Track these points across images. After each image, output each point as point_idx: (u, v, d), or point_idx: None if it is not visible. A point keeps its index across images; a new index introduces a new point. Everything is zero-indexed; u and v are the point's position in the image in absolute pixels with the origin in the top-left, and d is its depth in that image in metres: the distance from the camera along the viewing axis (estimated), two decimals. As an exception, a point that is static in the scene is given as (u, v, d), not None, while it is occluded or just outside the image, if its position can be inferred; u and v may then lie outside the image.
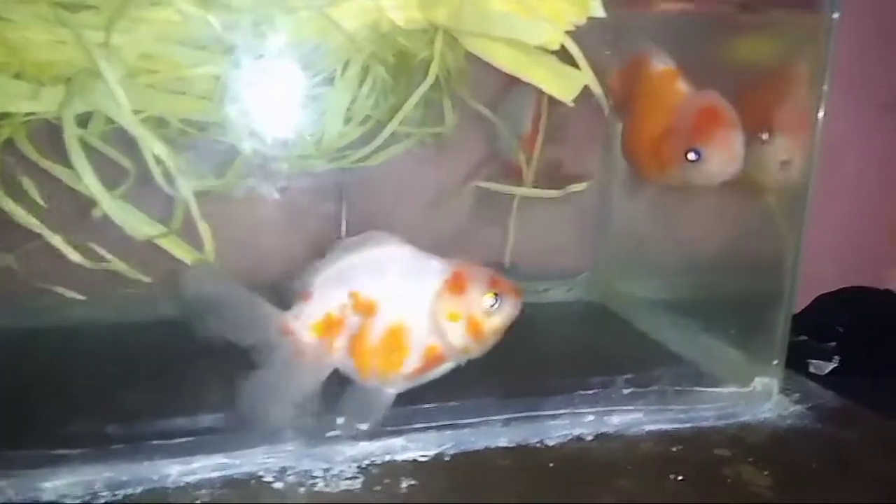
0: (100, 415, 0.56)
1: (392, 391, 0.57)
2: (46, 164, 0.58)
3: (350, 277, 0.55)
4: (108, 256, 0.60)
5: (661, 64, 0.70)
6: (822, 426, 0.67)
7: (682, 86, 0.69)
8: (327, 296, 0.55)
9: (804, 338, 1.10)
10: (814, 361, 1.03)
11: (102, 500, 0.51)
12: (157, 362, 0.65)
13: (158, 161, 0.55)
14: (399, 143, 0.74)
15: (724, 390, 0.69)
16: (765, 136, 0.68)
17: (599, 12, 0.57)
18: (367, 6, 0.61)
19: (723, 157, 0.66)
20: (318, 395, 0.55)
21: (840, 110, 1.10)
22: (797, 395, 0.73)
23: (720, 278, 0.78)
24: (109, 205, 0.56)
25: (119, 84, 0.61)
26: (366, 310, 0.55)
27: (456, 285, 0.55)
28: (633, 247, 0.92)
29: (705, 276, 0.81)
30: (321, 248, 0.77)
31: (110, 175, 0.60)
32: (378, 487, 0.54)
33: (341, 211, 0.80)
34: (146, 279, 0.60)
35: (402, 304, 0.55)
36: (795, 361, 1.00)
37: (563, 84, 0.58)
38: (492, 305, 0.55)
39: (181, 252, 0.59)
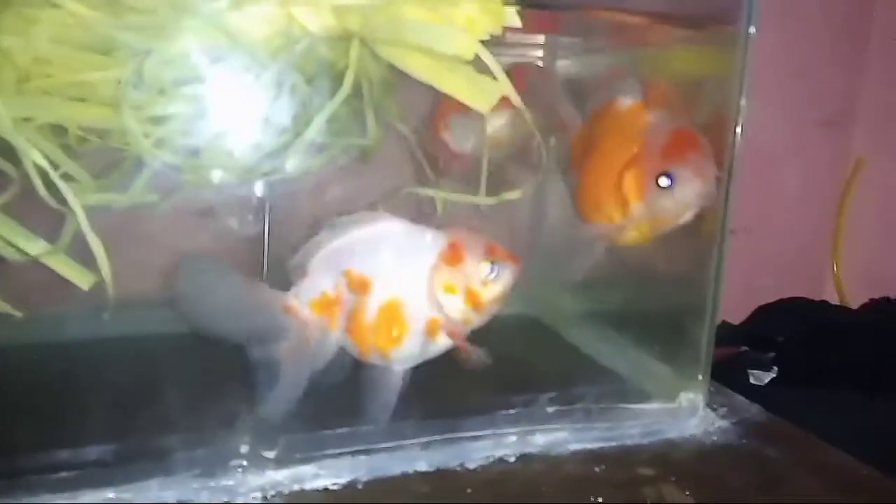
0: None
1: (398, 369, 0.57)
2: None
3: (344, 255, 0.55)
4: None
5: (629, 100, 0.68)
6: (747, 442, 0.67)
7: (650, 117, 0.66)
8: (322, 274, 0.55)
9: (744, 348, 1.11)
10: (754, 372, 1.04)
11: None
12: (40, 389, 0.61)
13: (41, 172, 0.51)
14: (319, 155, 0.72)
15: (650, 406, 0.68)
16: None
17: (515, 22, 0.55)
18: (278, 12, 0.58)
19: (696, 182, 0.62)
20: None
21: (782, 125, 1.14)
22: (724, 409, 0.72)
23: (650, 291, 0.78)
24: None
25: (8, 90, 0.58)
26: (360, 287, 0.55)
27: (451, 257, 0.55)
28: (566, 258, 0.91)
29: (636, 289, 0.80)
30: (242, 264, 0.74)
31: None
32: (283, 519, 0.51)
33: (263, 226, 0.76)
34: (17, 314, 0.55)
35: (396, 280, 0.55)
36: (736, 372, 1.02)
37: (479, 94, 0.56)
38: (489, 274, 0.53)
39: (71, 272, 0.54)
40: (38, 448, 0.52)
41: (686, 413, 0.69)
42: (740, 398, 0.75)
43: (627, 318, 0.80)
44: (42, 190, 0.52)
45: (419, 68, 0.56)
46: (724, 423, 0.69)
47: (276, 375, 0.54)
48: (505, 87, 0.55)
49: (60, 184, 0.52)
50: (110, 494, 0.51)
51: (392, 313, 0.55)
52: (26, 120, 0.59)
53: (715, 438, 0.67)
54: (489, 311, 0.57)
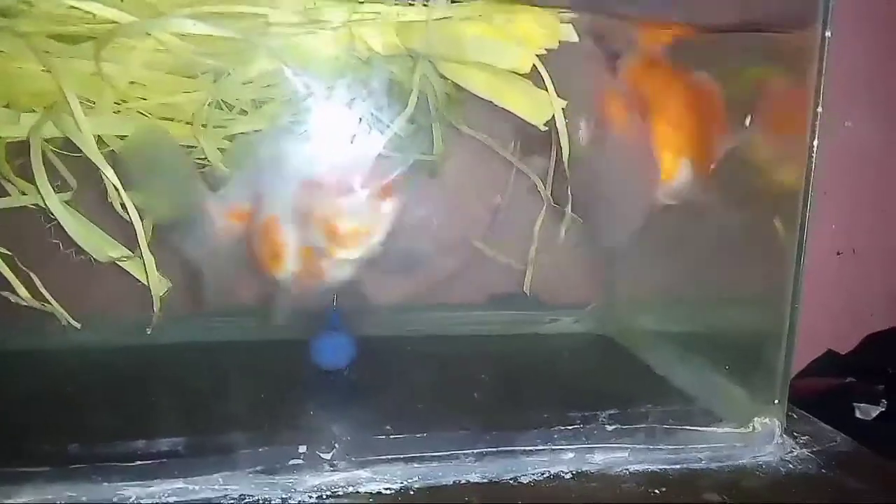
0: (64, 435, 0.56)
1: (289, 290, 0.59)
2: (18, 182, 0.60)
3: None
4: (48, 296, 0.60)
5: None
6: (827, 472, 0.62)
7: None
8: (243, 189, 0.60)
9: (851, 379, 1.04)
10: (860, 405, 0.97)
11: (59, 520, 0.51)
12: (122, 386, 0.66)
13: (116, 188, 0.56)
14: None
15: (721, 430, 0.65)
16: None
17: (573, 37, 0.55)
18: (344, 33, 0.61)
19: None
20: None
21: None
22: (805, 437, 0.68)
23: (728, 312, 0.74)
24: (72, 224, 0.57)
25: (108, 111, 0.64)
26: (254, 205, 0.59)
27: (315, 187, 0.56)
28: (642, 278, 0.89)
29: (713, 309, 0.77)
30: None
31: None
32: (334, 519, 0.53)
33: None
34: (76, 324, 0.60)
35: (279, 203, 0.58)
36: (840, 405, 0.96)
37: (536, 109, 0.56)
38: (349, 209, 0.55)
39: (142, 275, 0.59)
40: (117, 438, 0.57)
41: (760, 439, 0.65)
42: (825, 427, 0.71)
43: (704, 339, 0.77)
44: (117, 206, 0.57)
45: (477, 83, 0.57)
46: (803, 452, 0.65)
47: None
48: (560, 101, 0.55)
49: (128, 203, 0.57)
50: (179, 484, 0.55)
51: (270, 232, 0.57)
52: (122, 138, 0.66)
53: (791, 467, 0.63)
54: (353, 245, 0.57)
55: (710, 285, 0.76)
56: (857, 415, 0.96)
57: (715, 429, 0.65)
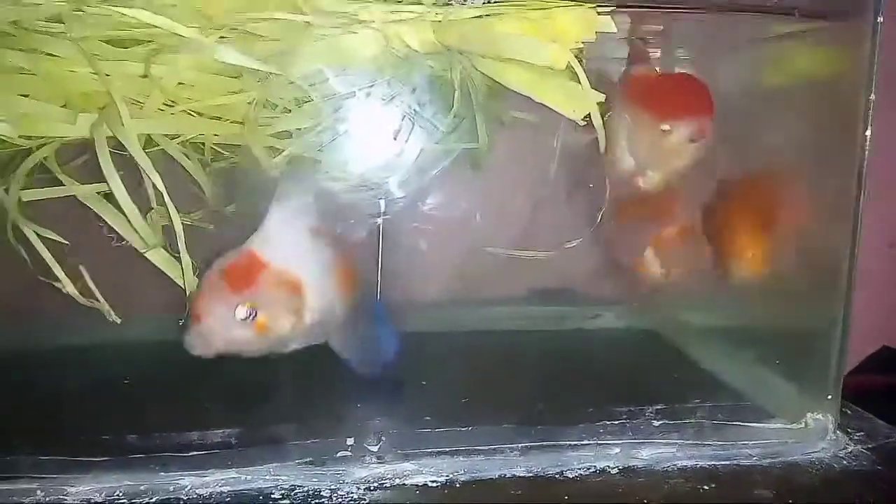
0: (123, 427, 0.58)
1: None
2: (69, 182, 0.62)
3: None
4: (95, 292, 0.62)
5: None
6: (883, 469, 0.61)
7: None
8: None
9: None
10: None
11: (119, 508, 0.53)
12: (176, 380, 0.68)
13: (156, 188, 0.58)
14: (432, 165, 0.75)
15: (772, 426, 0.64)
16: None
17: (610, 27, 0.55)
18: (385, 32, 0.61)
19: None
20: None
21: None
22: (860, 434, 0.66)
23: (778, 306, 0.73)
24: (139, 223, 0.58)
25: (157, 111, 0.66)
26: None
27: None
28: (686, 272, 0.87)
29: (763, 304, 0.75)
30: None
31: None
32: (381, 511, 0.54)
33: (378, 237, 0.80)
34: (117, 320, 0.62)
35: None
36: None
37: (573, 103, 0.56)
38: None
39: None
40: (173, 430, 0.58)
41: (813, 435, 0.64)
42: (881, 423, 0.69)
43: (753, 335, 0.75)
44: (156, 205, 0.59)
45: (514, 80, 0.57)
46: (857, 448, 0.64)
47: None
48: (598, 96, 0.55)
49: (169, 204, 0.58)
50: (232, 474, 0.56)
51: None
52: (173, 137, 0.67)
53: (845, 463, 0.61)
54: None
55: (760, 280, 0.74)
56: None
57: (766, 425, 0.64)
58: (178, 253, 0.60)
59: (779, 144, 0.71)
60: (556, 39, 0.54)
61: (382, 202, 0.76)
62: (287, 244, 0.56)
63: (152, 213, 0.62)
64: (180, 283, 0.60)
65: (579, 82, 0.56)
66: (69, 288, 0.59)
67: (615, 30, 0.55)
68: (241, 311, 0.52)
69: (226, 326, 0.52)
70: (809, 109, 0.63)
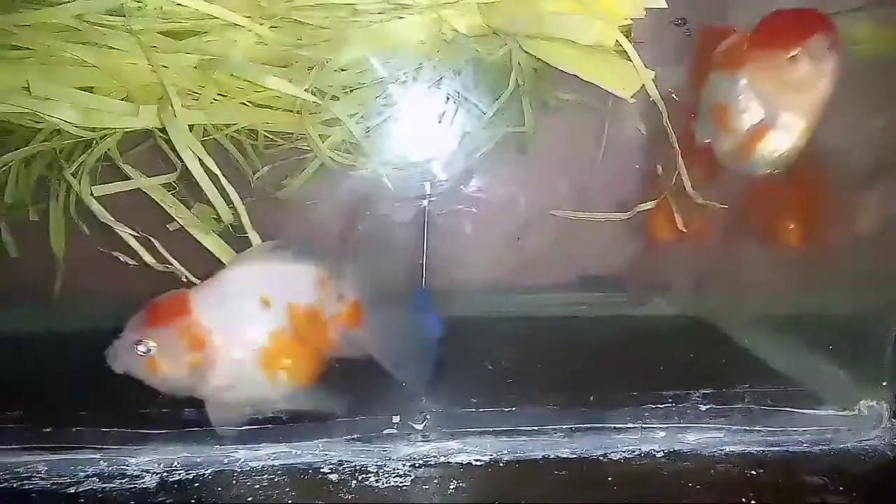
0: (180, 402, 0.61)
1: None
2: (129, 170, 0.65)
3: None
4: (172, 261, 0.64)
5: None
6: (941, 459, 0.59)
7: None
8: None
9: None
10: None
11: (177, 477, 0.56)
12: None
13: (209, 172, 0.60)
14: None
15: (823, 413, 0.63)
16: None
17: (658, 3, 0.54)
18: (430, 17, 0.62)
19: None
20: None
21: None
22: (918, 422, 0.64)
23: (831, 293, 0.71)
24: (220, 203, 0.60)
25: (212, 101, 0.68)
26: None
27: None
28: (738, 262, 0.85)
29: (816, 290, 0.73)
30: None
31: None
32: (426, 487, 0.55)
33: (424, 222, 0.80)
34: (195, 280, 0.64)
35: None
36: None
37: (622, 81, 0.56)
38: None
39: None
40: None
41: (866, 422, 0.62)
42: (941, 411, 0.66)
43: (806, 322, 0.74)
44: (207, 192, 0.60)
45: (561, 59, 0.57)
46: (914, 437, 0.62)
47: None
48: (647, 72, 0.54)
49: (228, 187, 0.60)
50: (283, 448, 0.58)
51: None
52: (228, 126, 0.70)
53: (901, 452, 0.60)
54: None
55: (813, 266, 0.72)
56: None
57: (817, 411, 0.63)
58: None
59: (842, 125, 0.68)
60: (603, 17, 0.54)
61: (428, 185, 0.77)
62: (220, 303, 0.55)
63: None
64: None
65: (629, 59, 0.56)
66: (147, 257, 0.62)
67: (665, 5, 0.54)
68: (141, 345, 0.53)
69: (127, 352, 0.53)
70: (874, 88, 0.61)
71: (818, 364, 0.68)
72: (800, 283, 0.74)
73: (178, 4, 0.61)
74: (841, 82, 0.60)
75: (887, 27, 0.61)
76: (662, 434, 0.61)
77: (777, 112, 0.64)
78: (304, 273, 0.56)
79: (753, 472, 0.57)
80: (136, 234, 0.62)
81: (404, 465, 0.57)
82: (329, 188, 0.73)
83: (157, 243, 0.61)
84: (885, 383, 0.62)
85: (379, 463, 0.57)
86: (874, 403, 0.62)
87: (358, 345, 0.57)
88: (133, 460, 0.57)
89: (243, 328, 0.55)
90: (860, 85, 0.64)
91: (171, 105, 0.61)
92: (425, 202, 0.78)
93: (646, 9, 0.55)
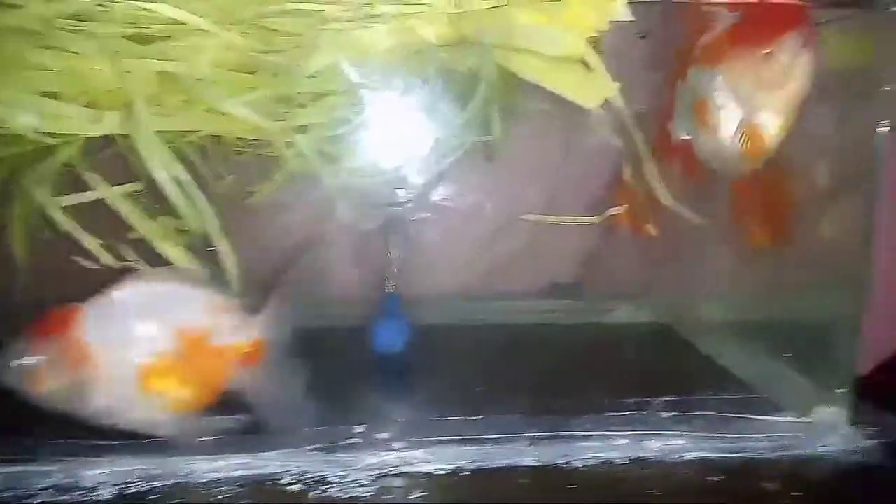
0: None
1: None
2: (94, 178, 0.64)
3: None
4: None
5: None
6: (893, 464, 0.60)
7: None
8: None
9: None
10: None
11: (134, 490, 0.55)
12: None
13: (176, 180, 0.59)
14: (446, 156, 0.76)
15: (782, 419, 0.64)
16: None
17: (624, 16, 0.55)
18: (399, 25, 0.62)
19: None
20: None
21: None
22: (873, 429, 0.65)
23: (792, 300, 0.72)
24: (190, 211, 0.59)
25: (176, 108, 0.67)
26: None
27: None
28: (700, 267, 0.87)
29: (777, 297, 0.75)
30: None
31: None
32: (388, 496, 0.55)
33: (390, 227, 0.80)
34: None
35: None
36: None
37: (588, 92, 0.56)
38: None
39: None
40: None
41: (824, 429, 0.64)
42: (896, 418, 0.68)
43: (767, 328, 0.75)
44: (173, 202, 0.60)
45: (529, 69, 0.58)
46: (870, 443, 0.63)
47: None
48: (612, 84, 0.55)
49: (198, 196, 0.60)
50: (245, 459, 0.58)
51: None
52: (193, 133, 0.69)
53: (857, 458, 0.61)
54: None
55: (773, 273, 0.74)
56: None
57: (776, 418, 0.64)
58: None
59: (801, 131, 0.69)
60: (570, 29, 0.55)
61: (397, 192, 0.77)
62: (106, 321, 0.53)
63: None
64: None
65: (595, 71, 0.57)
66: (105, 258, 0.61)
67: (631, 18, 0.55)
68: (30, 357, 0.52)
69: (8, 364, 0.52)
70: (832, 99, 0.62)
71: (778, 371, 0.69)
72: (762, 288, 0.76)
73: (143, 9, 0.61)
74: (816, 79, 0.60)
75: (853, 38, 0.62)
76: (625, 441, 0.62)
77: (754, 109, 0.63)
78: (200, 299, 0.55)
79: (714, 479, 0.58)
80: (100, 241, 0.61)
81: (367, 474, 0.57)
82: (297, 196, 0.72)
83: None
84: (841, 391, 0.64)
85: (341, 473, 0.57)
86: (831, 410, 0.64)
87: (245, 383, 0.56)
88: (89, 472, 0.56)
89: (126, 348, 0.53)
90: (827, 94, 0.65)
91: (137, 111, 0.61)
92: (394, 209, 0.78)
93: (611, 21, 0.55)
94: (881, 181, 0.62)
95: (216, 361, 0.55)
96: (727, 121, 0.64)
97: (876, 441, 0.64)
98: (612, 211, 0.76)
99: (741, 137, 0.63)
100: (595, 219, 0.78)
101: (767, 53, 0.59)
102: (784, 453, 0.61)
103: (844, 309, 0.64)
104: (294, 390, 0.57)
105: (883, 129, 0.60)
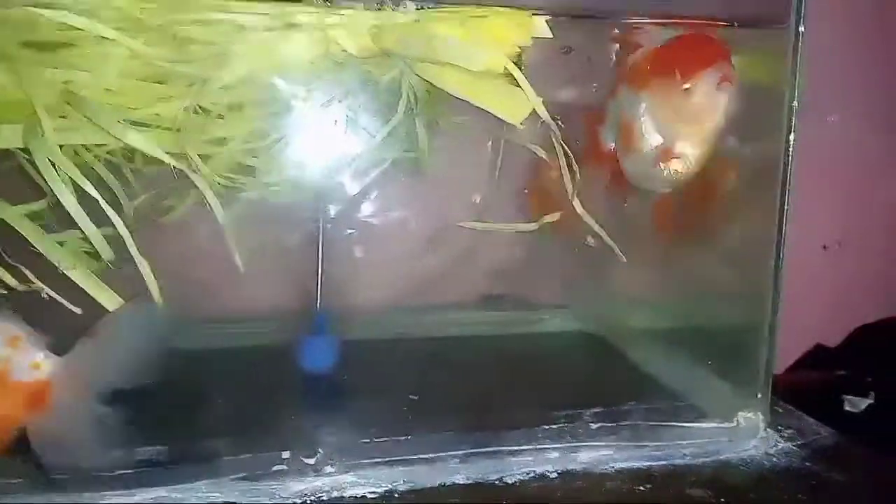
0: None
1: None
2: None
3: None
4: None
5: None
6: (811, 465, 0.62)
7: None
8: None
9: (841, 373, 1.05)
10: (849, 398, 0.97)
11: (36, 532, 0.51)
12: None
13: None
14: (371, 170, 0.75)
15: (704, 425, 0.66)
16: None
17: (545, 33, 0.55)
18: (319, 36, 0.61)
19: None
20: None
21: (878, 136, 1.07)
22: (790, 431, 0.68)
23: (715, 307, 0.74)
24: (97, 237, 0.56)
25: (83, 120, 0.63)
26: None
27: None
28: (626, 276, 0.88)
29: (702, 305, 0.77)
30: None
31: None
32: (317, 524, 0.53)
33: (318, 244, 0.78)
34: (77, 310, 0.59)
35: None
36: (831, 398, 0.96)
37: (512, 107, 0.56)
38: None
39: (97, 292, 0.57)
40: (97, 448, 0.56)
41: (744, 433, 0.65)
42: (811, 420, 0.71)
43: (689, 335, 0.77)
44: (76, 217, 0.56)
45: (452, 84, 0.57)
46: (787, 446, 0.65)
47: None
48: (535, 100, 0.55)
49: (109, 211, 0.56)
50: (162, 493, 0.54)
51: None
52: (100, 147, 0.65)
53: (775, 461, 0.63)
54: None
55: (695, 281, 0.76)
56: (847, 408, 0.96)
57: (699, 424, 0.66)
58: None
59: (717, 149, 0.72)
60: (492, 44, 0.54)
61: (326, 208, 0.75)
62: None
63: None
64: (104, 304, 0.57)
65: (519, 86, 0.57)
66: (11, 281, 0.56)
67: (551, 35, 0.56)
68: None
69: None
70: (741, 113, 0.64)
71: (702, 377, 0.71)
72: (686, 296, 0.78)
73: (41, 15, 0.57)
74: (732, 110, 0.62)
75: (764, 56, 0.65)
76: (556, 455, 0.62)
77: (672, 138, 0.65)
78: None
79: (642, 488, 0.59)
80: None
81: (295, 502, 0.55)
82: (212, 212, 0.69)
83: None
84: (759, 395, 0.66)
85: (267, 502, 0.55)
86: (751, 415, 0.66)
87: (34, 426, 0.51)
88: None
89: None
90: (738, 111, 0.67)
91: (39, 124, 0.57)
92: (318, 224, 0.76)
93: (533, 38, 0.56)
94: (788, 195, 0.64)
95: (14, 396, 0.51)
96: (648, 144, 0.66)
97: (791, 443, 0.66)
98: (548, 218, 0.77)
99: (660, 161, 0.65)
100: (531, 226, 0.78)
101: (686, 90, 0.61)
102: (708, 459, 0.63)
103: (760, 315, 0.66)
104: (85, 436, 0.52)
105: (790, 143, 0.63)
